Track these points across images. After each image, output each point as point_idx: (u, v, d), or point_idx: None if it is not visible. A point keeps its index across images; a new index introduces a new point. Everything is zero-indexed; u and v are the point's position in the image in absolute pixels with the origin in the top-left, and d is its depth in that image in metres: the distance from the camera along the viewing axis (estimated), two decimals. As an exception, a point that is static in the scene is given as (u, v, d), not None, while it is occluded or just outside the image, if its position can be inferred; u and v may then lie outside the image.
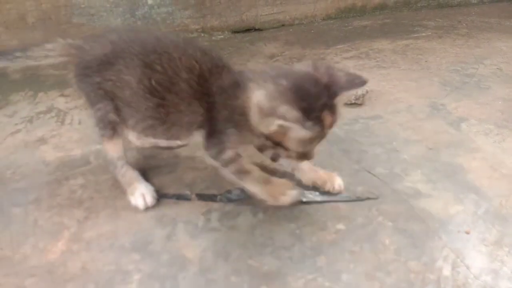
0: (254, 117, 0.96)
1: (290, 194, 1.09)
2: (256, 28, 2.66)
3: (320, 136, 0.95)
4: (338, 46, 2.39)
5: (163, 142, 1.34)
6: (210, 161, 1.11)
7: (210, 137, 1.07)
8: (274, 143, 0.98)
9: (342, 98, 0.95)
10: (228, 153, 1.07)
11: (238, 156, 1.08)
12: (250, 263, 0.98)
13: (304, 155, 1.02)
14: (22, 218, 1.11)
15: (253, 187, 1.10)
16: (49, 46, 1.18)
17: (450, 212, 1.14)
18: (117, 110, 1.11)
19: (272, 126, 0.91)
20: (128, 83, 1.06)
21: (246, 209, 1.14)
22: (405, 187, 1.23)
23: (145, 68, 1.04)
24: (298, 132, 0.90)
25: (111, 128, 1.13)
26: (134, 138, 1.32)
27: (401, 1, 3.03)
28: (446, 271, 0.96)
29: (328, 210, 1.14)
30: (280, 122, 0.88)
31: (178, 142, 1.32)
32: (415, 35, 2.58)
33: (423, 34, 2.61)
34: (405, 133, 1.51)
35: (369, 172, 1.29)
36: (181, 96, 1.05)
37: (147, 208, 1.13)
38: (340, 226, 1.08)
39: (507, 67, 2.09)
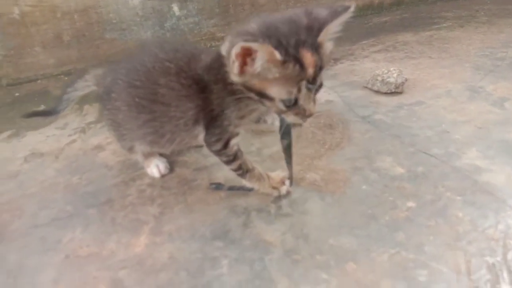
0: (228, 68, 0.90)
1: (287, 183, 1.17)
2: (279, 31, 2.72)
3: (303, 76, 0.84)
4: (363, 42, 2.43)
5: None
6: (213, 154, 1.11)
7: (209, 128, 1.05)
8: (258, 94, 0.89)
9: (329, 34, 0.86)
10: (232, 147, 1.07)
11: (240, 152, 1.11)
12: (331, 243, 1.00)
13: (300, 111, 0.90)
14: (99, 218, 1.14)
15: (254, 184, 1.15)
16: (87, 76, 1.33)
17: (514, 184, 1.16)
18: (124, 135, 1.20)
19: (233, 66, 0.84)
20: (119, 108, 1.13)
21: (312, 195, 1.17)
22: (464, 164, 1.25)
23: (129, 88, 1.09)
24: (260, 58, 0.81)
25: (129, 149, 1.27)
26: None
27: (416, -5, 3.08)
28: (525, 237, 0.98)
29: (394, 190, 1.16)
30: (233, 51, 0.81)
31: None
32: (436, 27, 2.62)
33: (444, 25, 2.65)
34: (451, 116, 1.53)
35: (426, 153, 1.31)
36: (166, 102, 1.04)
37: (163, 176, 1.30)
38: (410, 204, 1.11)
39: (536, 48, 2.11)
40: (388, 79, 1.71)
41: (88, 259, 1.01)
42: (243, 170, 1.13)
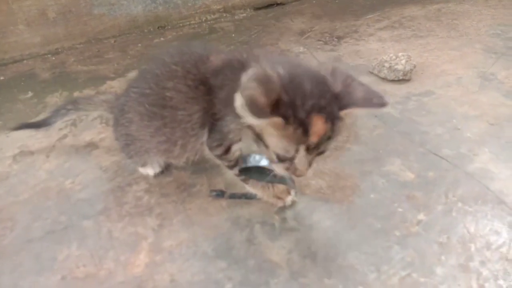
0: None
1: (293, 193, 1.12)
2: (278, 2, 2.56)
3: (303, 141, 0.79)
4: (368, 16, 2.30)
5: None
6: (215, 160, 1.07)
7: (211, 132, 1.00)
8: (255, 134, 0.86)
9: (351, 113, 0.82)
10: (234, 152, 1.03)
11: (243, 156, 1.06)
12: (340, 263, 0.97)
13: (292, 167, 0.85)
14: (96, 231, 1.09)
15: (257, 190, 1.10)
16: (95, 99, 1.33)
17: (529, 192, 1.11)
18: (138, 148, 1.16)
19: (236, 102, 0.77)
20: (132, 119, 1.10)
21: (318, 205, 1.12)
22: (476, 169, 1.20)
23: (140, 97, 1.07)
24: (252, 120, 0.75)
25: (142, 165, 1.24)
26: None
27: (424, -39, 2.89)
28: (541, 257, 0.94)
29: (404, 200, 1.11)
30: (238, 97, 0.75)
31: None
32: (445, -2, 2.48)
33: (453, -5, 2.50)
34: (462, 109, 1.46)
35: (436, 155, 1.25)
36: (174, 105, 1.01)
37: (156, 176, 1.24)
38: (421, 217, 1.06)
39: (551, 27, 2.01)
40: (396, 66, 1.62)
41: (86, 281, 0.96)
42: (246, 176, 1.07)
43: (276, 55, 0.92)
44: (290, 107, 0.77)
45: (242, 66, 0.90)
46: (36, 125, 1.40)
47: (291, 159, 0.83)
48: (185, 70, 1.00)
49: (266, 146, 0.85)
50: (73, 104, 1.35)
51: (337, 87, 0.80)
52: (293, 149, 0.81)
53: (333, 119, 0.79)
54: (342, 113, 0.80)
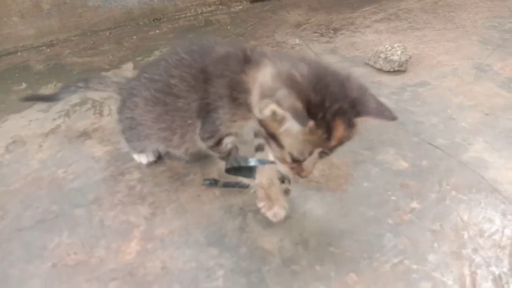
0: (254, 96, 0.84)
1: (287, 182, 1.12)
2: (275, -5, 2.55)
3: (323, 145, 0.78)
4: (365, 9, 2.29)
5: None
6: (208, 151, 1.06)
7: (203, 122, 0.99)
8: (268, 133, 0.83)
9: (362, 122, 0.80)
10: (226, 145, 1.02)
11: (235, 150, 1.05)
12: (331, 250, 0.96)
13: (298, 167, 0.84)
14: (87, 220, 1.08)
15: (251, 181, 1.08)
16: (108, 80, 1.32)
17: (523, 181, 1.11)
18: (139, 133, 1.15)
19: (265, 110, 0.77)
20: (137, 103, 1.11)
21: (311, 194, 1.11)
22: (470, 158, 1.19)
23: (149, 83, 1.08)
24: (292, 126, 0.74)
25: (140, 152, 1.23)
26: None
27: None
28: (534, 244, 0.94)
29: (397, 188, 1.11)
30: (274, 107, 0.74)
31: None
32: (442, -10, 2.47)
33: (450, -12, 2.49)
34: (457, 99, 1.45)
35: (431, 144, 1.25)
36: (177, 93, 1.01)
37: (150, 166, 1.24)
38: (414, 205, 1.06)
39: (547, 19, 2.00)
40: (391, 57, 1.61)
41: (76, 269, 0.96)
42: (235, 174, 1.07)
43: (293, 55, 0.91)
44: (319, 108, 0.75)
45: (246, 60, 0.90)
46: (45, 98, 1.43)
47: (301, 161, 0.82)
48: (192, 59, 1.00)
49: (281, 147, 0.82)
50: (84, 82, 1.33)
51: (353, 93, 0.79)
52: (308, 152, 0.80)
53: (351, 125, 0.78)
54: (356, 120, 0.79)
